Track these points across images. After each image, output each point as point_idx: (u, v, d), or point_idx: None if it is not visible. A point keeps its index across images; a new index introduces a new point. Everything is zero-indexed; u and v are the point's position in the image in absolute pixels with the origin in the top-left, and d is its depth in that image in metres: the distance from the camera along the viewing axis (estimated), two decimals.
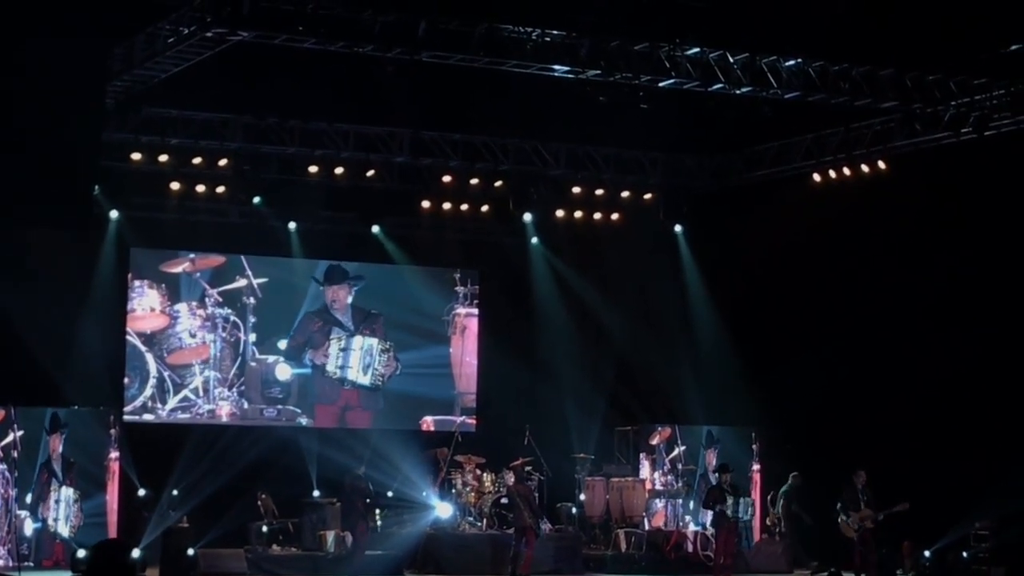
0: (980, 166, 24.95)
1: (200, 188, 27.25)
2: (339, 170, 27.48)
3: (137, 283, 27.73)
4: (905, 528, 24.60)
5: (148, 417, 27.60)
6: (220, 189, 27.44)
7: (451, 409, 29.73)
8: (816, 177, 27.32)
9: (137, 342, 27.66)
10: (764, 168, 28.46)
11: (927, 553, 25.35)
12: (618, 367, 29.71)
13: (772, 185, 28.39)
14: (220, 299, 28.29)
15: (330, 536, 25.19)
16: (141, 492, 25.33)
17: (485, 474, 26.59)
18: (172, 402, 27.87)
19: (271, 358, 28.57)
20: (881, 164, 26.35)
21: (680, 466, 28.74)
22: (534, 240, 30.12)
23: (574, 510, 27.52)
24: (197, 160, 26.66)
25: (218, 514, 25.38)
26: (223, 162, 26.83)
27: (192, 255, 28.02)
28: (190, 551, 23.14)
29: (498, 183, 28.80)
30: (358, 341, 28.79)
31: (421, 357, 29.53)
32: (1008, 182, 24.90)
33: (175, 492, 25.33)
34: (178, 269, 28.07)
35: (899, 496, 24.07)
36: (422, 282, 29.56)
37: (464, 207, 29.35)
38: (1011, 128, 24.30)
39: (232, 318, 28.33)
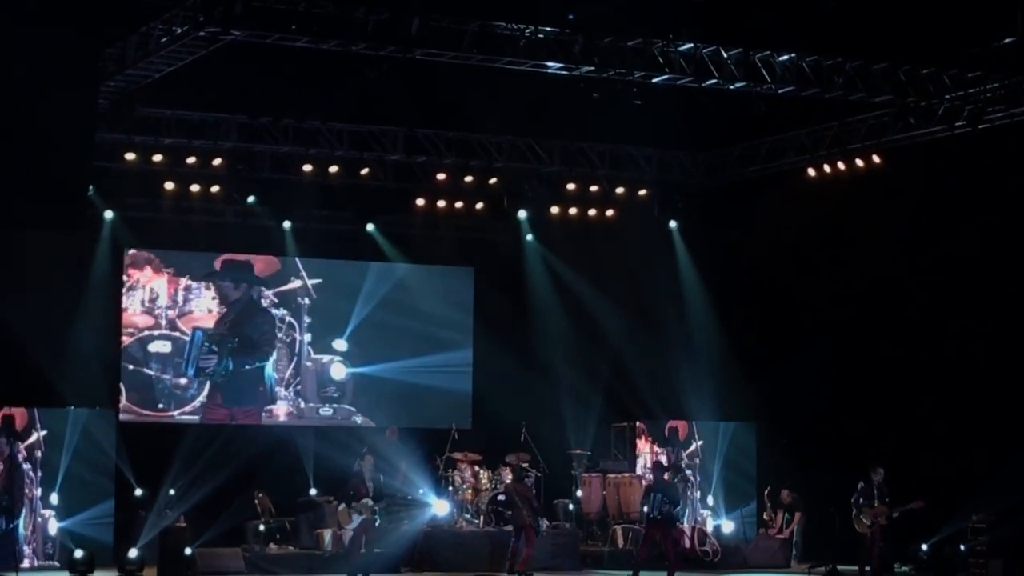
0: (974, 159, 24.96)
1: (194, 188, 27.25)
2: (333, 169, 27.48)
3: (194, 284, 28.09)
4: (915, 524, 24.58)
5: (196, 418, 28.03)
6: (214, 189, 27.44)
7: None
8: (811, 172, 27.34)
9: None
10: (759, 163, 28.45)
11: (925, 547, 25.38)
12: (613, 363, 29.70)
13: (767, 180, 28.39)
14: (276, 300, 28.74)
15: (327, 535, 25.19)
16: (138, 492, 25.33)
17: (482, 471, 26.60)
18: None
19: (326, 358, 29.08)
20: (876, 158, 26.38)
21: (698, 461, 28.72)
22: (529, 237, 30.12)
23: (571, 506, 27.54)
24: (191, 160, 26.65)
25: (215, 513, 25.39)
26: (217, 161, 26.82)
27: (247, 256, 28.49)
28: (187, 550, 23.13)
29: (492, 180, 28.80)
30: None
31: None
32: (1003, 175, 24.92)
33: (172, 491, 25.33)
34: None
35: (908, 492, 24.02)
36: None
37: (459, 204, 29.36)
38: (1005, 121, 24.30)
39: (288, 319, 28.79)
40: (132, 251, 27.71)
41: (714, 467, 28.73)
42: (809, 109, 25.50)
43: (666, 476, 24.58)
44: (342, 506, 23.86)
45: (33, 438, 24.92)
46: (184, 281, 28.13)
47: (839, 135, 26.61)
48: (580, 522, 27.52)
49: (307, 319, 28.91)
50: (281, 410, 28.69)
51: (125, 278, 27.65)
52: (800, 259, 27.79)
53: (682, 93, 23.85)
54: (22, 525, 24.60)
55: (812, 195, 27.28)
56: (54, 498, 24.97)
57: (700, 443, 28.75)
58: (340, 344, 29.21)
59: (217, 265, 28.30)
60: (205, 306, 28.21)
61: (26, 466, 24.77)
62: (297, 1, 20.56)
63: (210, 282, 28.20)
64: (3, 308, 24.60)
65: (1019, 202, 24.81)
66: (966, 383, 25.53)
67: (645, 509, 23.70)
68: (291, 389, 28.80)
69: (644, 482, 26.76)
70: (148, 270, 27.91)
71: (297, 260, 28.84)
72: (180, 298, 28.12)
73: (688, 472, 28.57)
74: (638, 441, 28.61)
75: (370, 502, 23.15)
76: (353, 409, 29.20)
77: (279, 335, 28.63)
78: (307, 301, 28.93)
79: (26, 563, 24.32)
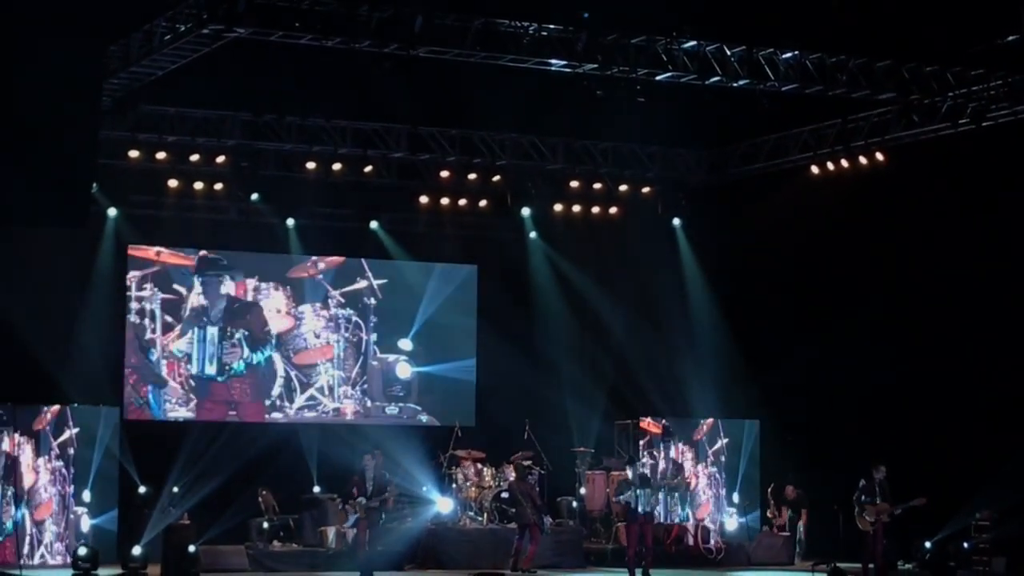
0: (978, 157, 24.96)
1: (198, 185, 27.28)
2: (337, 166, 27.50)
3: (263, 285, 28.50)
4: (918, 521, 24.56)
5: (276, 416, 28.43)
6: (218, 186, 27.46)
7: None
8: (814, 169, 27.33)
9: (271, 343, 28.56)
10: (762, 161, 28.46)
11: (928, 544, 25.36)
12: (617, 360, 29.73)
13: (770, 178, 28.40)
14: (342, 300, 29.22)
15: (331, 532, 25.21)
16: (142, 489, 25.33)
17: (485, 469, 26.60)
18: (299, 400, 28.78)
19: (392, 357, 29.52)
20: (879, 156, 26.37)
21: (723, 458, 28.71)
22: (532, 234, 30.14)
23: (574, 504, 27.54)
24: (195, 157, 26.69)
25: (219, 511, 25.38)
26: (221, 159, 26.85)
27: (314, 257, 28.82)
28: (191, 548, 23.10)
29: (496, 178, 28.82)
30: (224, 331, 28.59)
31: None
32: (1006, 172, 24.91)
33: (176, 489, 25.32)
34: (301, 271, 28.95)
35: (910, 489, 24.00)
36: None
37: (462, 202, 29.38)
38: (1008, 119, 24.31)
39: (354, 318, 29.29)
40: (203, 252, 28.13)
41: (740, 465, 28.72)
42: (812, 107, 25.51)
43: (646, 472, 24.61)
44: (341, 506, 23.82)
45: (65, 435, 25.07)
46: (252, 282, 28.58)
47: (842, 133, 26.60)
48: (584, 519, 27.51)
49: (373, 319, 29.38)
50: (348, 409, 29.15)
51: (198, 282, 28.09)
52: (803, 256, 27.79)
53: (686, 91, 23.85)
54: (52, 521, 24.81)
55: (815, 193, 27.28)
56: (86, 495, 25.16)
57: (725, 440, 28.74)
58: (405, 343, 29.62)
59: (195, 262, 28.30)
60: (274, 306, 28.70)
61: (58, 463, 24.96)
62: None
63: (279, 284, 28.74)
64: (6, 305, 24.62)
65: (1023, 199, 24.81)
66: (970, 380, 25.52)
67: (632, 505, 23.63)
68: (357, 388, 29.26)
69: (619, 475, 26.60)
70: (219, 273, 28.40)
71: (363, 261, 29.32)
72: (250, 298, 28.56)
73: (713, 469, 28.61)
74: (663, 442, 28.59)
75: (363, 500, 23.07)
76: (419, 408, 29.65)
77: (346, 335, 29.07)
78: (373, 301, 29.41)
79: (58, 559, 24.54)
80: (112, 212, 27.11)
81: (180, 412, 27.90)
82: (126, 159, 26.11)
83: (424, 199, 29.07)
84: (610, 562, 26.25)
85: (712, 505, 28.47)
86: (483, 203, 29.57)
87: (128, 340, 27.59)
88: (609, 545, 26.87)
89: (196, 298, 28.07)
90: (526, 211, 29.75)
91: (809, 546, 27.55)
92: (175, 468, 25.69)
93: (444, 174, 28.39)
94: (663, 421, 28.45)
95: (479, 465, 26.66)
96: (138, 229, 27.50)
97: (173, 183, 27.08)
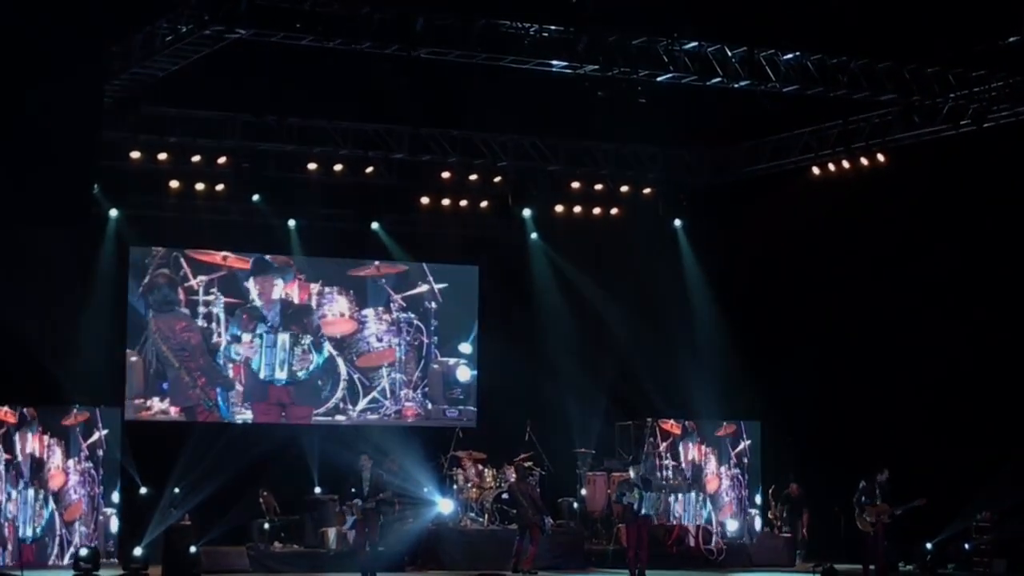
0: (979, 158, 24.96)
1: (199, 186, 27.27)
2: (338, 167, 27.49)
3: (327, 289, 28.79)
4: (918, 522, 24.56)
5: (340, 418, 28.73)
6: (219, 187, 27.44)
7: None
8: (815, 170, 27.32)
9: (328, 346, 28.74)
10: (763, 162, 28.44)
11: (929, 545, 25.38)
12: (618, 362, 29.70)
13: (771, 179, 28.39)
14: (404, 304, 29.54)
15: (332, 533, 25.21)
16: (143, 490, 25.36)
17: (486, 470, 26.61)
18: (362, 403, 29.13)
19: (452, 360, 29.81)
20: (880, 157, 26.34)
21: (746, 460, 28.71)
22: (533, 235, 30.12)
23: (575, 505, 27.55)
24: (196, 158, 26.67)
25: (220, 512, 25.40)
26: (222, 160, 26.83)
27: (377, 262, 29.22)
28: (192, 549, 23.14)
29: (497, 179, 28.81)
30: (285, 334, 28.81)
31: None
32: (1007, 174, 24.91)
33: (177, 490, 25.34)
34: (364, 275, 29.23)
35: (910, 490, 24.01)
36: None
37: (463, 203, 29.37)
38: (1009, 120, 24.31)
39: (415, 322, 29.65)
40: (268, 255, 28.48)
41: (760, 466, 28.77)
42: (814, 108, 25.49)
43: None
44: (338, 508, 23.78)
45: (95, 437, 25.26)
46: (316, 287, 28.90)
47: (844, 134, 26.57)
48: (584, 521, 27.53)
49: (434, 322, 29.69)
50: (409, 411, 29.45)
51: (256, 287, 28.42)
52: (805, 258, 27.79)
53: (687, 92, 23.84)
54: (81, 523, 24.98)
55: (817, 194, 27.27)
56: (115, 496, 25.37)
57: (748, 442, 28.73)
58: (465, 347, 29.86)
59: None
60: (338, 310, 29.05)
61: (88, 464, 25.17)
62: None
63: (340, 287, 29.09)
64: (7, 306, 24.61)
65: None
66: (971, 381, 25.54)
67: (635, 506, 23.63)
68: (419, 391, 29.56)
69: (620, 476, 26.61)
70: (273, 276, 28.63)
71: (424, 266, 29.61)
72: (314, 303, 28.84)
73: (736, 471, 28.64)
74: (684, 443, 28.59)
75: (359, 502, 23.07)
76: (476, 410, 29.83)
77: (407, 338, 29.46)
78: (433, 305, 29.75)
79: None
80: (113, 213, 27.09)
81: (247, 415, 28.24)
82: (127, 160, 26.09)
83: (425, 200, 29.06)
84: (611, 563, 26.24)
85: (735, 507, 28.46)
86: (484, 204, 29.56)
87: (195, 343, 27.90)
88: (610, 546, 26.85)
89: (256, 301, 28.41)
90: (527, 212, 29.73)
91: (810, 547, 27.55)
92: (176, 469, 25.70)
93: (445, 175, 28.39)
94: (685, 422, 28.48)
95: (480, 466, 26.67)
96: (139, 230, 27.50)
97: (174, 184, 27.07)
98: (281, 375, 28.45)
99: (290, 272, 28.70)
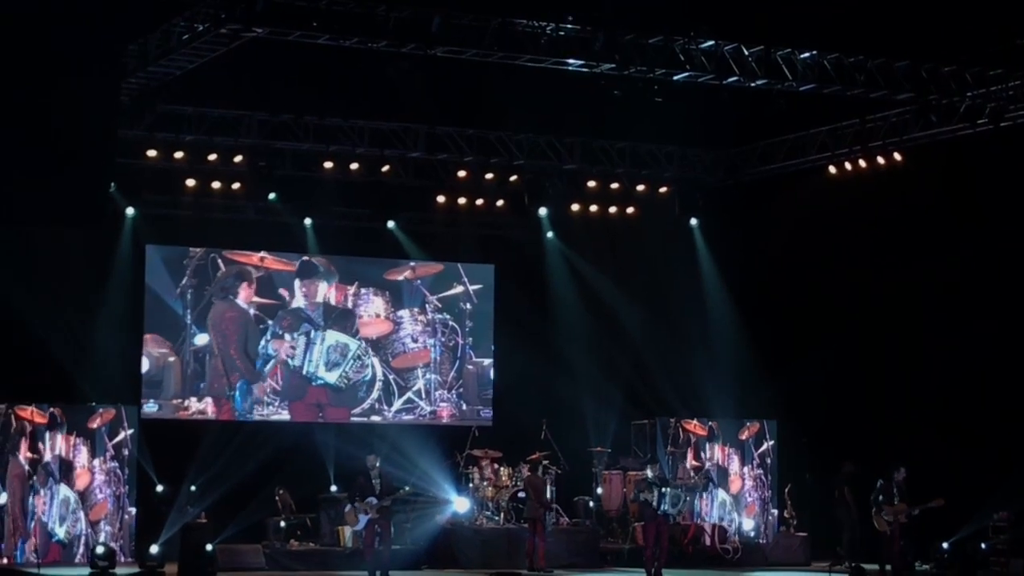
0: (996, 157, 24.91)
1: (215, 185, 27.31)
2: (354, 166, 27.52)
3: (363, 290, 28.90)
4: (935, 522, 24.52)
5: (376, 419, 28.91)
6: (235, 186, 27.48)
7: None
8: (832, 170, 27.27)
9: (365, 347, 28.93)
10: (779, 161, 28.40)
11: (946, 545, 25.32)
12: (634, 360, 29.69)
13: (787, 178, 28.36)
14: (439, 305, 29.69)
15: (347, 531, 25.22)
16: (159, 488, 25.40)
17: (502, 468, 26.62)
18: (397, 404, 29.24)
19: (486, 361, 29.95)
20: (897, 156, 26.29)
21: (769, 460, 28.68)
22: (549, 234, 30.12)
23: (591, 504, 27.54)
24: (212, 157, 26.71)
25: (236, 510, 25.44)
26: (238, 159, 26.87)
27: (412, 263, 29.30)
28: (208, 547, 23.17)
29: (513, 178, 28.83)
30: (330, 336, 28.86)
31: None
32: None
33: (193, 488, 25.38)
34: (400, 276, 29.34)
35: (928, 490, 23.96)
36: None
37: (479, 202, 29.39)
38: None
39: (450, 323, 29.77)
40: (306, 257, 28.57)
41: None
42: (830, 107, 25.46)
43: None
44: (348, 507, 23.79)
45: (120, 436, 25.36)
46: (352, 288, 28.97)
47: (860, 133, 26.54)
48: (600, 519, 27.53)
49: (468, 323, 29.78)
50: (444, 412, 29.55)
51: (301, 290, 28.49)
52: (820, 257, 27.75)
53: (703, 91, 23.82)
54: (107, 522, 25.12)
55: (833, 193, 27.23)
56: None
57: (771, 443, 28.71)
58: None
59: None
60: (373, 311, 29.17)
61: (113, 464, 25.28)
62: None
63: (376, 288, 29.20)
64: (23, 305, 24.66)
65: None
66: (988, 380, 25.49)
67: (654, 503, 23.58)
68: (453, 392, 29.67)
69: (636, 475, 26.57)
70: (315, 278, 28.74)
71: (460, 266, 29.73)
72: (350, 303, 28.91)
73: (759, 471, 28.62)
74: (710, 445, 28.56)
75: (374, 500, 23.08)
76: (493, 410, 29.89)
77: (442, 339, 29.61)
78: (468, 306, 29.85)
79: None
80: (130, 211, 27.12)
81: (284, 415, 28.35)
82: (144, 158, 26.14)
83: (441, 199, 29.08)
84: (627, 562, 26.25)
85: (758, 507, 28.42)
86: (500, 203, 29.58)
87: (236, 335, 27.93)
88: (626, 545, 26.86)
89: (298, 302, 28.47)
90: (543, 211, 29.71)
91: (825, 547, 27.48)
92: (193, 467, 25.73)
93: (461, 174, 28.40)
94: (709, 423, 28.45)
95: (496, 465, 26.68)
96: (155, 228, 27.53)
97: (191, 182, 27.11)
98: (329, 377, 28.51)
99: (333, 276, 28.77)
